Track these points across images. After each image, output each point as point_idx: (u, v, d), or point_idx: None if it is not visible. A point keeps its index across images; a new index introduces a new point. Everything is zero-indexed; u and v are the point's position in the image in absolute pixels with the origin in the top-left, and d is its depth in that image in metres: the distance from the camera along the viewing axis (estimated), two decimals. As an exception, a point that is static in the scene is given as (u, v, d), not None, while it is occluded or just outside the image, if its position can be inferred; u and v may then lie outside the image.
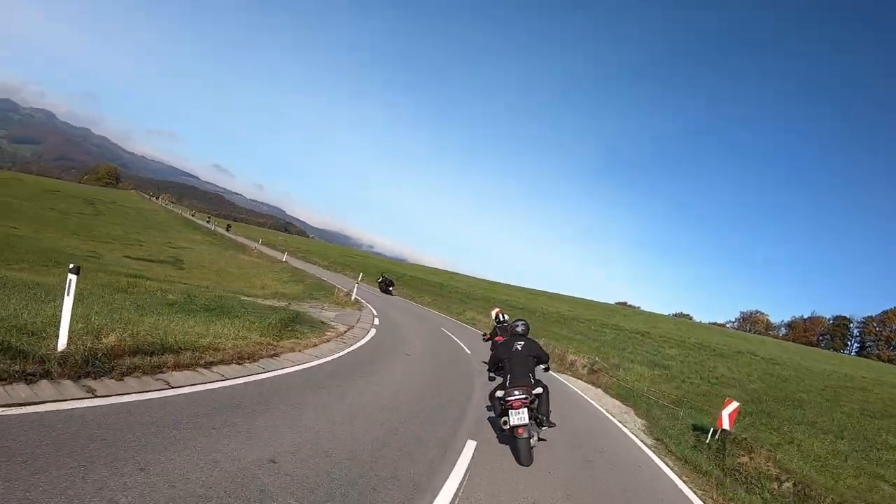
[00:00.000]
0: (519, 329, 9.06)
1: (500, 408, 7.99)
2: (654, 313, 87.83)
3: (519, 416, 7.60)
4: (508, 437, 7.97)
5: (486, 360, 12.41)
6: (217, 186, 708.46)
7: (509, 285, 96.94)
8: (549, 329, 35.66)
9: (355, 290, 26.49)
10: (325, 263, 59.35)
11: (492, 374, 9.09)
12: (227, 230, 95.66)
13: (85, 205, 77.15)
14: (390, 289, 43.33)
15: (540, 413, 8.09)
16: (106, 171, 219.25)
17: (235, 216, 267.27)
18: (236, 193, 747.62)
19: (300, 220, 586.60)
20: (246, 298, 18.33)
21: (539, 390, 8.09)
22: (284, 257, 49.78)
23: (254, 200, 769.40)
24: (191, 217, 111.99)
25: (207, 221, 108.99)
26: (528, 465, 7.41)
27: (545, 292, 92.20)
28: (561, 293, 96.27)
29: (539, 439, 8.19)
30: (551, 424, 8.27)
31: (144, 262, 33.16)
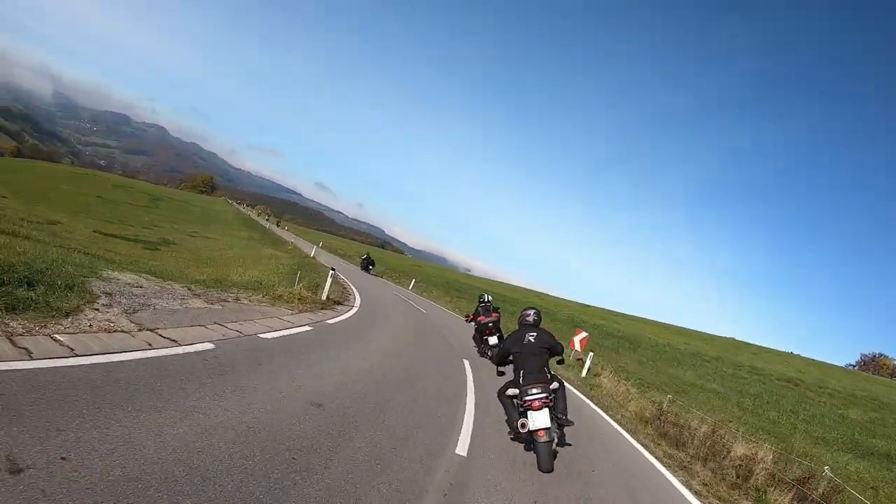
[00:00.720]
0: (530, 318, 8.19)
1: (516, 409, 7.23)
2: (777, 350, 69.34)
3: (540, 418, 6.75)
4: (526, 440, 7.23)
5: (472, 337, 17.08)
6: (319, 204, 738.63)
7: (605, 309, 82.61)
8: (665, 371, 25.16)
9: (327, 285, 16.83)
10: (381, 269, 51.82)
11: (501, 370, 8.36)
12: (277, 226, 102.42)
13: (147, 199, 76.44)
14: (370, 268, 46.11)
15: (558, 411, 7.20)
16: (202, 180, 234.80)
17: (335, 233, 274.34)
18: (337, 212, 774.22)
19: (398, 241, 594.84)
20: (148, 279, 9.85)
21: (555, 385, 7.28)
22: (314, 252, 43.13)
23: (354, 219, 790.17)
24: (255, 217, 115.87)
25: (267, 219, 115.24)
26: (549, 471, 6.66)
27: (647, 320, 78.27)
28: (662, 321, 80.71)
29: (563, 443, 7.69)
30: (570, 423, 7.41)
31: (118, 240, 26.75)
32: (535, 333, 7.65)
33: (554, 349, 7.63)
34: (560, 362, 8.13)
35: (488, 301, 17.62)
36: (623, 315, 76.37)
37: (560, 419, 7.20)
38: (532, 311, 8.32)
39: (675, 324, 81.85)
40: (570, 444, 8.27)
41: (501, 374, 8.34)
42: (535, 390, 6.90)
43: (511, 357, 7.66)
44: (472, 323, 17.84)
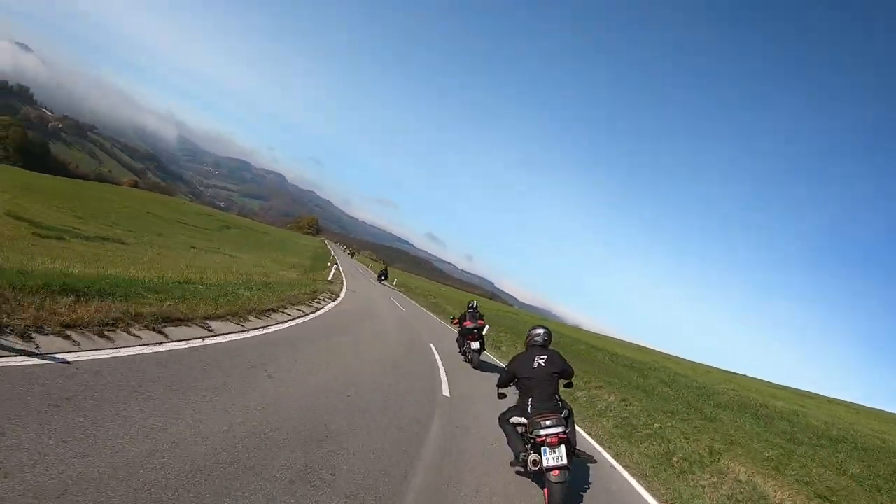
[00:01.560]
0: (539, 339, 7.50)
1: (523, 440, 6.82)
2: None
3: (556, 456, 6.18)
4: (530, 474, 6.87)
5: (455, 339, 18.86)
6: (429, 254, 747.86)
7: (774, 384, 63.74)
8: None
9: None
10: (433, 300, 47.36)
11: (502, 392, 7.98)
12: (351, 257, 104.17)
13: (218, 225, 75.00)
14: (384, 280, 53.71)
15: (572, 444, 6.56)
16: (307, 222, 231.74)
17: (443, 283, 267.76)
18: (447, 262, 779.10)
19: (508, 294, 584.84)
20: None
21: (565, 413, 6.77)
22: (331, 274, 34.40)
23: (464, 271, 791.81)
24: (337, 253, 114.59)
25: (351, 256, 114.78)
26: None
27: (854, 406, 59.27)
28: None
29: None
30: (592, 460, 7.59)
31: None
32: (545, 356, 7.18)
33: (565, 372, 7.22)
34: (569, 385, 7.71)
35: (475, 307, 18.27)
36: (811, 395, 55.22)
37: (577, 454, 6.82)
38: (541, 331, 7.59)
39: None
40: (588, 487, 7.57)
41: (503, 396, 8.03)
42: (549, 422, 6.40)
43: (517, 381, 7.23)
44: (457, 326, 18.62)
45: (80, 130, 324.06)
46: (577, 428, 10.90)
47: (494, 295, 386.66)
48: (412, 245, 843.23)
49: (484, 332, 17.66)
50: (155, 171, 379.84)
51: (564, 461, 6.11)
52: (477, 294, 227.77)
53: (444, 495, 5.70)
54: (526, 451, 6.60)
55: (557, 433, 6.25)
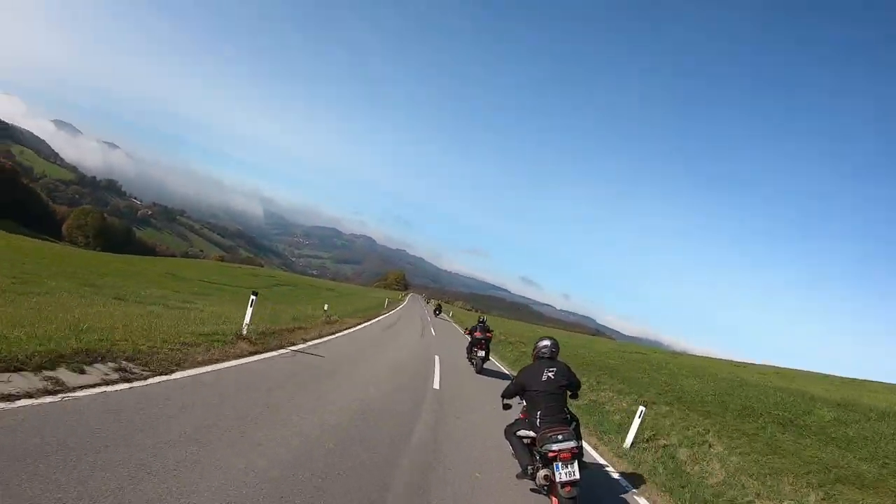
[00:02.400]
0: (546, 351, 7.37)
1: (531, 454, 6.73)
2: None
3: (569, 471, 6.10)
4: (540, 487, 6.57)
5: (466, 347, 21.78)
6: (526, 298, 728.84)
7: None
8: None
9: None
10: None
11: (507, 403, 7.81)
12: (427, 303, 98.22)
13: (270, 282, 65.43)
14: (439, 314, 63.35)
15: (581, 457, 6.43)
16: (395, 278, 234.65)
17: (541, 325, 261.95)
18: (545, 304, 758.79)
19: (611, 329, 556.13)
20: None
21: (574, 425, 6.85)
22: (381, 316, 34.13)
23: (563, 310, 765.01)
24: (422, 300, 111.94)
25: (426, 301, 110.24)
26: None
27: None
28: None
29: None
30: (598, 467, 8.53)
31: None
32: (554, 368, 7.05)
33: (572, 385, 7.20)
34: (574, 397, 7.53)
35: (484, 322, 21.92)
36: None
37: (586, 466, 6.90)
38: (549, 342, 7.45)
39: None
40: None
41: (507, 407, 7.92)
42: (561, 437, 6.27)
43: (525, 393, 7.11)
44: (468, 336, 22.18)
45: (170, 215, 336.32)
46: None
47: (597, 331, 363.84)
48: (508, 291, 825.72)
49: (490, 344, 20.86)
50: (245, 247, 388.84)
51: (577, 476, 6.09)
52: (578, 332, 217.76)
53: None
54: (534, 464, 6.56)
55: (571, 448, 6.17)
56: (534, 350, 7.54)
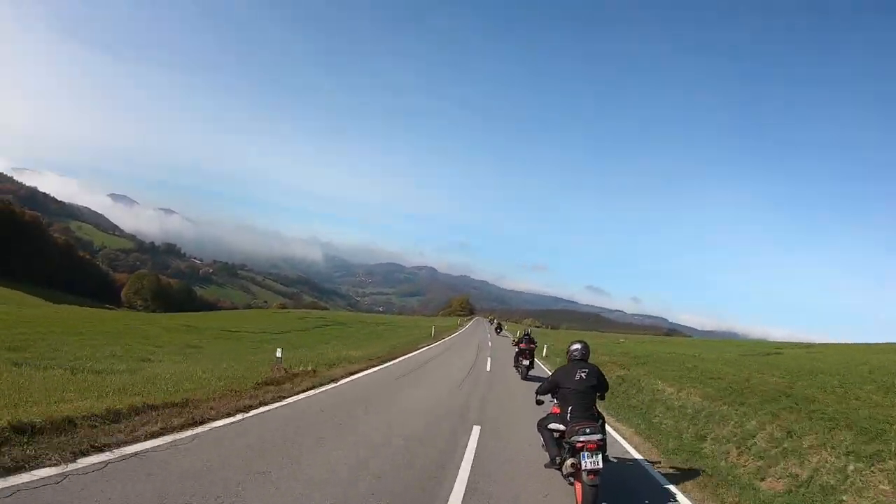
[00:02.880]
0: (577, 354, 8.15)
1: (560, 445, 7.54)
2: None
3: (594, 461, 6.75)
4: (566, 475, 7.20)
5: (513, 356, 23.75)
6: (594, 307, 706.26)
7: None
8: None
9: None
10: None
11: (540, 399, 8.66)
12: (491, 324, 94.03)
13: (306, 327, 58.37)
14: (501, 332, 67.20)
15: (605, 452, 7.12)
16: (459, 303, 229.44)
17: (613, 331, 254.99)
18: (615, 311, 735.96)
19: (686, 326, 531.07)
20: None
21: (601, 422, 7.48)
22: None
23: (634, 314, 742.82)
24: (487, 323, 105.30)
25: (491, 322, 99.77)
26: None
27: None
28: None
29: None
30: (623, 462, 9.03)
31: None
32: (586, 370, 7.70)
33: (601, 386, 7.83)
34: (601, 398, 8.07)
35: (529, 335, 24.24)
36: None
37: (610, 461, 7.36)
38: (580, 345, 8.18)
39: None
40: None
41: (540, 403, 8.70)
42: (588, 430, 6.89)
43: (558, 391, 7.86)
44: (515, 347, 24.13)
45: (231, 271, 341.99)
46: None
47: (672, 331, 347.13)
48: (576, 302, 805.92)
49: (534, 353, 23.53)
50: (309, 293, 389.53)
51: (600, 465, 6.69)
52: (652, 334, 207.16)
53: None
54: (562, 455, 7.34)
55: (596, 440, 6.78)
56: (567, 353, 8.31)
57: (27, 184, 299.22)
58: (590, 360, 8.29)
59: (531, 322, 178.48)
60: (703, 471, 9.52)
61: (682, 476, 9.27)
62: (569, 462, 6.98)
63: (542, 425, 7.86)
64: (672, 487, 8.68)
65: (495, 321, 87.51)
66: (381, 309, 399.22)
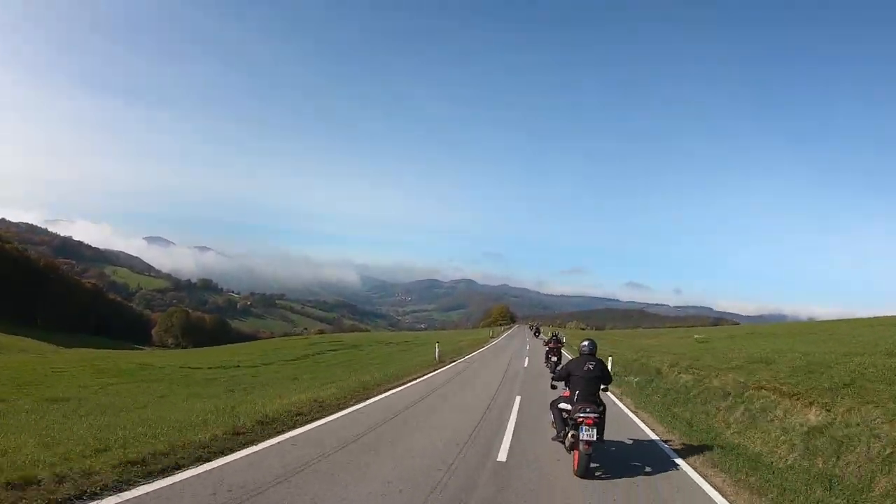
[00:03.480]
0: (586, 349, 9.99)
1: (565, 421, 9.38)
2: None
3: (589, 434, 8.54)
4: (568, 446, 9.22)
5: (545, 353, 27.83)
6: (636, 303, 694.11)
7: None
8: None
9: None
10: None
11: (555, 384, 10.63)
12: (530, 329, 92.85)
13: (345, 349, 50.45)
14: (539, 335, 69.75)
15: (600, 433, 8.94)
16: (499, 312, 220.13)
17: (657, 326, 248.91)
18: (658, 304, 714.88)
19: (730, 313, 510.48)
20: None
21: (602, 408, 9.17)
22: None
23: (677, 307, 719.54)
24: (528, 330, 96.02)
25: (531, 329, 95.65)
26: (584, 477, 8.53)
27: None
28: None
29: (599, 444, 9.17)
30: (603, 443, 9.45)
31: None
32: (593, 363, 9.65)
33: (605, 378, 9.80)
34: (605, 390, 10.05)
35: (557, 335, 29.67)
36: None
37: (604, 442, 9.35)
38: (588, 343, 10.17)
39: None
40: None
41: (554, 387, 10.73)
42: (589, 409, 8.81)
43: (570, 378, 9.76)
44: (546, 347, 28.65)
45: (268, 301, 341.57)
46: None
47: (719, 319, 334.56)
48: (618, 300, 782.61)
49: (561, 350, 26.00)
50: (349, 316, 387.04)
51: (594, 438, 8.57)
52: (698, 326, 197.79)
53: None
54: (566, 430, 9.31)
55: (594, 417, 8.69)
56: (579, 348, 10.24)
57: (61, 234, 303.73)
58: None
59: (575, 325, 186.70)
60: None
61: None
62: (570, 434, 9.06)
63: (553, 405, 9.96)
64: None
65: (534, 326, 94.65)
66: (423, 326, 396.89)
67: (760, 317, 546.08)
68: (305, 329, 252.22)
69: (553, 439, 9.80)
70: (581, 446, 8.47)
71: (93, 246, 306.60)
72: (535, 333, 76.12)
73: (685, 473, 9.31)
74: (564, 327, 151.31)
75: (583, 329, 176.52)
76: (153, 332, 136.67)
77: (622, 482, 8.59)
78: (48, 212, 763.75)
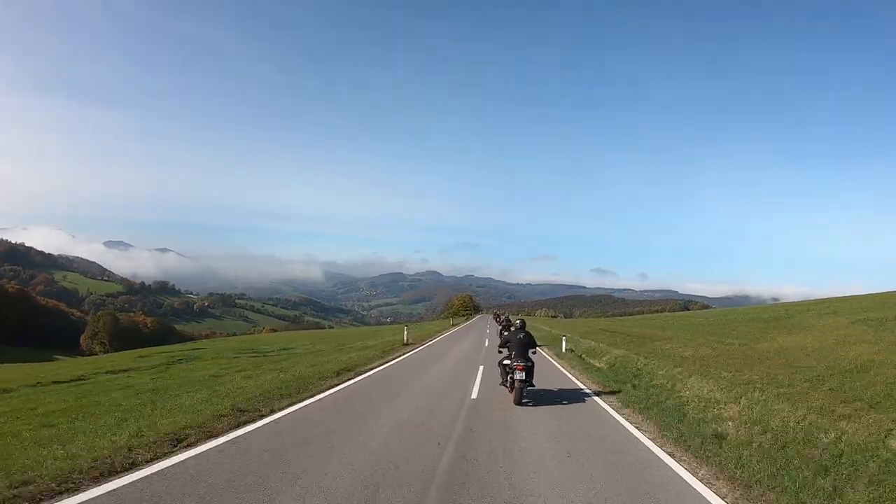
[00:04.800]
0: (519, 326, 15.18)
1: (506, 370, 14.39)
2: None
3: (520, 376, 13.42)
4: (510, 386, 14.02)
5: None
6: (603, 289, 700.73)
7: None
8: None
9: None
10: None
11: (500, 350, 15.64)
12: (497, 320, 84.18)
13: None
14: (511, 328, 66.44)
15: (529, 377, 13.81)
16: (461, 303, 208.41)
17: (624, 311, 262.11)
18: (623, 290, 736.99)
19: (698, 297, 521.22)
20: None
21: (530, 364, 13.89)
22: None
23: (643, 291, 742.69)
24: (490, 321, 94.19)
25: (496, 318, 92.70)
26: (520, 405, 13.13)
27: None
28: None
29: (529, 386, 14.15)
30: (532, 385, 14.29)
31: None
32: (523, 334, 14.52)
33: (531, 343, 14.48)
34: (534, 352, 14.81)
35: (509, 318, 37.69)
36: None
37: (532, 385, 14.26)
38: (520, 321, 16.04)
39: None
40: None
41: (500, 352, 15.71)
42: (520, 362, 13.61)
43: (508, 344, 14.77)
44: (499, 327, 38.34)
45: (228, 301, 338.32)
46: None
47: (687, 302, 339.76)
48: (584, 287, 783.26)
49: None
50: (312, 313, 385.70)
51: (524, 378, 13.43)
52: (668, 311, 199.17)
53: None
54: (507, 378, 14.44)
55: (523, 364, 13.50)
56: (513, 327, 15.41)
57: (13, 241, 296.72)
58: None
59: (544, 313, 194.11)
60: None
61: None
62: (509, 378, 14.12)
63: (500, 363, 15.09)
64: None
65: (503, 316, 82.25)
66: (388, 319, 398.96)
67: (727, 298, 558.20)
68: (264, 328, 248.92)
69: (500, 385, 15.22)
70: (516, 384, 13.40)
71: (45, 252, 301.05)
72: (503, 327, 65.56)
73: (593, 400, 14.78)
74: (533, 315, 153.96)
75: (553, 317, 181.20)
76: (81, 338, 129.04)
77: (545, 407, 13.42)
78: (1, 219, 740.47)
